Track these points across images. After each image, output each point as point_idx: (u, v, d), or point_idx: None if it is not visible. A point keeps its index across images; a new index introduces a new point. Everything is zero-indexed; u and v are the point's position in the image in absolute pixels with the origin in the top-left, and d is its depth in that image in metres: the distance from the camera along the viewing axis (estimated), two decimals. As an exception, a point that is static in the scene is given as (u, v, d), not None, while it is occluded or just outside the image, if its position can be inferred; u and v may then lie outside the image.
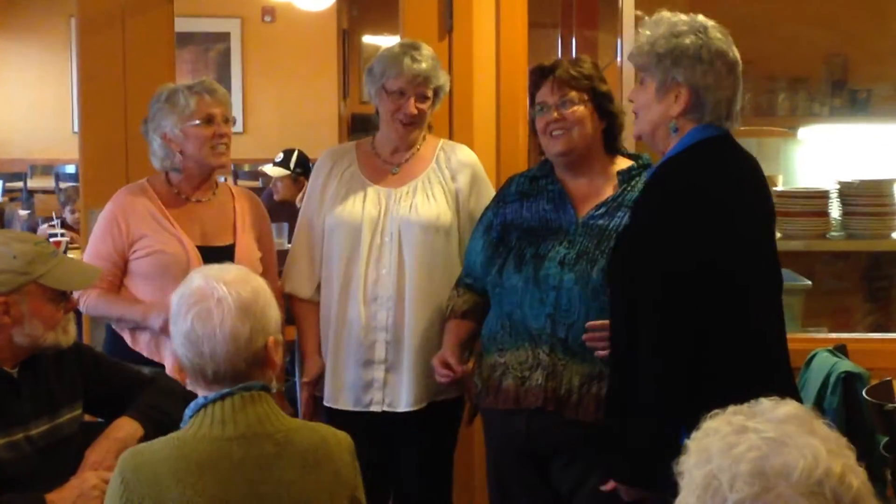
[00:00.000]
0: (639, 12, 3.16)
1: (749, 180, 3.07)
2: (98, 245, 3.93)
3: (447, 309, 3.77)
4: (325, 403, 3.89)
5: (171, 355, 3.82)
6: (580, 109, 3.51)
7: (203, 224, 3.98)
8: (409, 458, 3.94)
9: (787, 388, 3.04)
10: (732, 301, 2.91)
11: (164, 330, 3.77)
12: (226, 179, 11.34)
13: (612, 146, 3.61)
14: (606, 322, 3.22)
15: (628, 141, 3.69)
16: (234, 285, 2.54)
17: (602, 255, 3.40)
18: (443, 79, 3.91)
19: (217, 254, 3.89)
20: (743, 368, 2.89)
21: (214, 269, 2.63)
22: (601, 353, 3.28)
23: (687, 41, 3.01)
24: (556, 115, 3.52)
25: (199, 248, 3.91)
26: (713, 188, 2.98)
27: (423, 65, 3.84)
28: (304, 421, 2.66)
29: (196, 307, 2.52)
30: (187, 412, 2.56)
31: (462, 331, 3.71)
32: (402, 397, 3.83)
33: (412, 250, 3.82)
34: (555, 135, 3.53)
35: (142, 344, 3.89)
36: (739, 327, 2.92)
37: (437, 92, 3.91)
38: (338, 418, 3.83)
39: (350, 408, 3.86)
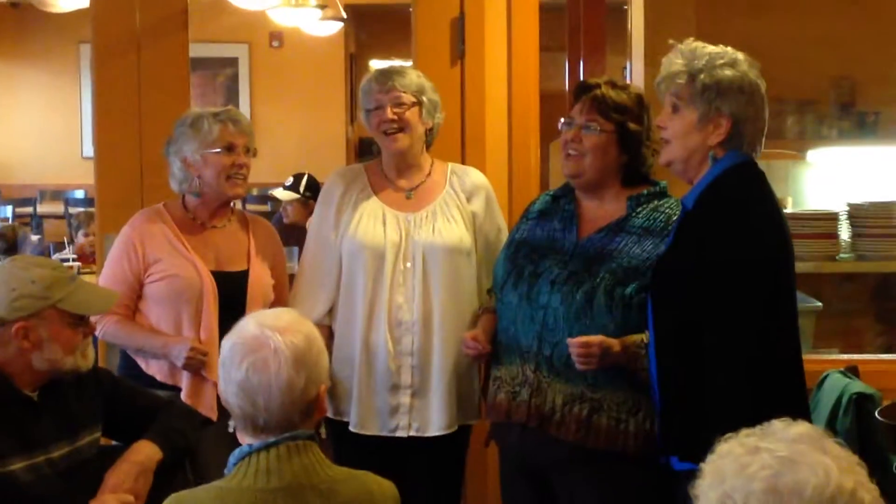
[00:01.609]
0: (671, 40, 3.21)
1: (777, 202, 3.21)
2: (114, 268, 3.94)
3: (480, 308, 3.82)
4: (352, 429, 3.88)
5: (186, 381, 3.84)
6: (599, 138, 3.51)
7: (217, 250, 3.99)
8: (425, 480, 3.93)
9: (806, 409, 3.17)
10: (787, 314, 3.08)
11: (187, 367, 3.81)
12: (234, 204, 11.39)
13: (631, 179, 3.58)
14: (586, 339, 3.30)
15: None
16: (289, 334, 2.48)
17: (590, 277, 3.43)
18: (416, 86, 3.91)
19: (230, 279, 3.92)
20: (781, 388, 3.01)
21: (268, 315, 2.57)
22: (583, 367, 3.32)
23: (729, 73, 3.11)
24: (574, 135, 3.54)
25: (213, 274, 3.91)
26: (764, 203, 3.11)
27: (394, 76, 3.89)
28: (350, 470, 2.59)
29: (251, 357, 2.46)
30: (231, 459, 2.52)
31: (494, 322, 3.70)
32: (432, 421, 3.84)
33: (438, 274, 3.84)
34: (569, 155, 3.56)
35: (155, 368, 3.89)
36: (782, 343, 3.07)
37: (419, 99, 3.91)
38: (353, 440, 3.87)
39: (376, 433, 3.87)
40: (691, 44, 3.18)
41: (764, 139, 3.20)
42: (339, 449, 3.92)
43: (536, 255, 3.57)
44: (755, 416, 2.02)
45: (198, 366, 3.81)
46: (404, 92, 3.89)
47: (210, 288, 3.87)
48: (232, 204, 4.10)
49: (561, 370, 3.42)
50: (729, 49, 3.17)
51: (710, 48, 3.16)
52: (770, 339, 3.01)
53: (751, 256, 3.02)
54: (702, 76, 3.12)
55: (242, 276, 3.97)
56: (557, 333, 3.42)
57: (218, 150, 3.90)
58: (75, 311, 3.13)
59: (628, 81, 5.34)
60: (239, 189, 3.98)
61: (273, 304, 4.01)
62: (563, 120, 3.60)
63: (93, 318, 3.30)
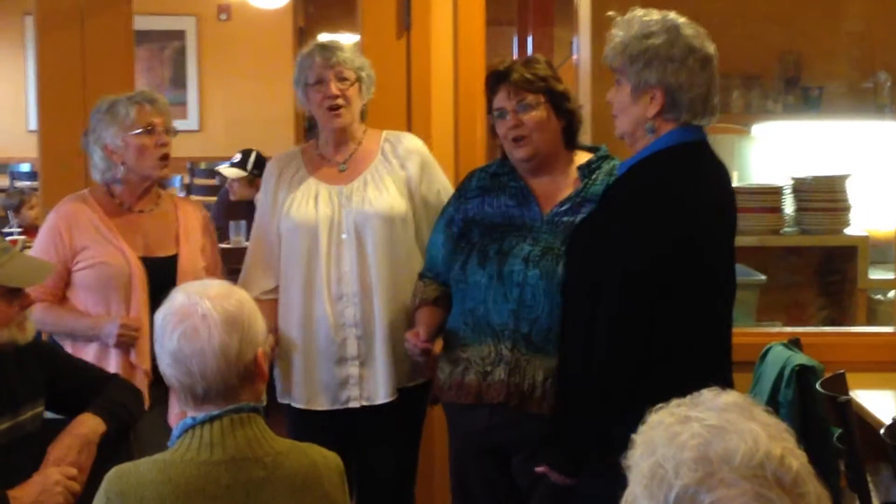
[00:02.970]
0: (611, 12, 3.15)
1: (718, 185, 3.10)
2: (41, 257, 3.86)
3: (415, 299, 3.79)
4: (296, 405, 3.90)
5: (114, 369, 3.80)
6: (538, 113, 3.52)
7: (146, 235, 3.96)
8: (382, 449, 3.95)
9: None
10: (684, 300, 2.95)
11: (119, 344, 3.79)
12: (182, 179, 11.31)
13: (571, 142, 3.62)
14: None
15: (586, 135, 3.72)
16: (218, 299, 2.45)
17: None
18: (358, 62, 3.91)
19: (160, 265, 3.91)
20: (689, 367, 2.91)
21: (196, 285, 2.54)
22: None
23: (657, 41, 3.00)
24: (514, 120, 3.54)
25: (143, 260, 3.89)
26: (681, 187, 3.01)
27: (337, 52, 3.87)
28: (295, 442, 2.58)
29: (181, 325, 2.43)
30: (175, 432, 2.50)
31: (435, 316, 3.71)
32: (379, 390, 3.85)
33: (372, 243, 3.84)
34: (516, 140, 3.55)
35: (82, 354, 3.79)
36: (688, 326, 2.97)
37: (359, 76, 3.90)
38: (304, 418, 3.88)
39: (327, 408, 3.87)
40: (631, 13, 3.10)
41: (711, 105, 3.08)
42: (293, 429, 3.93)
43: (496, 233, 3.56)
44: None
45: (129, 342, 3.79)
46: (347, 68, 3.88)
47: (139, 275, 3.85)
48: (160, 186, 4.07)
49: (541, 345, 3.41)
50: (670, 15, 3.07)
51: (648, 17, 3.06)
52: (673, 318, 2.94)
53: (626, 265, 2.95)
54: (630, 47, 3.04)
55: (172, 261, 3.95)
56: (536, 309, 3.42)
57: (139, 131, 3.88)
58: (7, 284, 3.06)
59: (574, 57, 5.37)
60: (165, 170, 3.96)
61: None
62: (494, 113, 3.60)
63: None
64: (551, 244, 3.46)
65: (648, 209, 2.98)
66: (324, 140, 3.99)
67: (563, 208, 3.53)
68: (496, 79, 3.60)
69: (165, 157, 3.94)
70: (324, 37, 14.06)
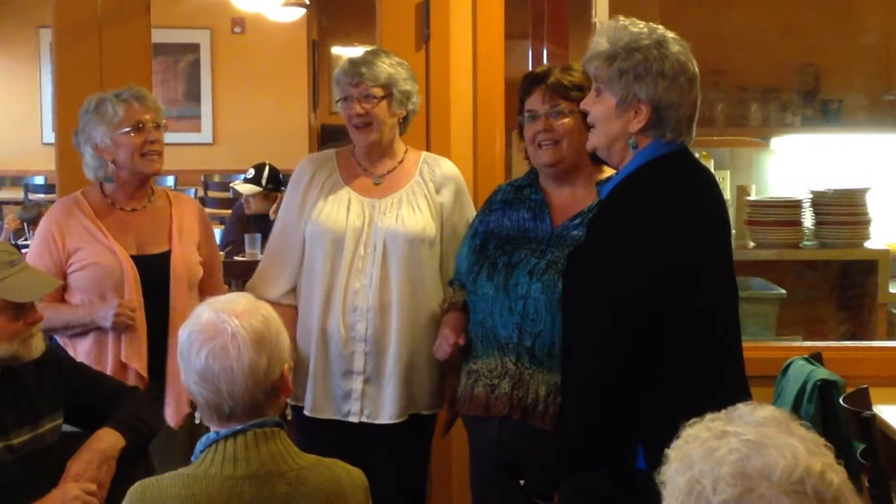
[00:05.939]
0: (596, 19, 3.02)
1: (706, 194, 3.00)
2: (35, 261, 3.87)
3: (444, 303, 3.77)
4: (306, 413, 3.88)
5: (111, 370, 3.79)
6: (569, 121, 3.49)
7: (138, 233, 3.96)
8: (386, 470, 3.90)
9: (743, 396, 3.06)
10: (691, 315, 2.86)
11: (116, 325, 3.79)
12: (196, 192, 11.30)
13: (597, 157, 3.56)
14: None
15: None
16: (245, 316, 2.44)
17: None
18: (384, 78, 3.85)
19: (152, 262, 3.91)
20: (703, 378, 2.85)
21: (221, 300, 2.52)
22: None
23: (649, 56, 2.90)
24: (544, 124, 3.51)
25: (135, 258, 3.88)
26: (672, 203, 2.91)
27: (363, 68, 3.83)
28: (319, 458, 2.56)
29: (210, 344, 2.42)
30: (198, 447, 2.48)
31: (461, 320, 3.66)
32: (383, 409, 3.81)
33: (397, 262, 3.80)
34: (543, 146, 3.52)
35: (82, 354, 3.83)
36: (701, 338, 2.88)
37: (389, 91, 3.85)
38: (313, 426, 3.86)
39: (330, 417, 3.85)
40: (617, 22, 2.98)
41: (693, 126, 2.99)
42: (299, 435, 3.91)
43: (509, 245, 3.55)
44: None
45: (126, 322, 3.78)
46: (374, 85, 3.84)
47: (131, 273, 3.85)
48: (151, 183, 4.06)
49: (543, 360, 3.40)
50: (659, 28, 2.97)
51: (636, 27, 2.96)
52: (661, 347, 2.83)
53: (618, 291, 2.85)
54: (619, 59, 2.93)
55: (164, 258, 3.94)
56: (539, 323, 3.40)
57: (127, 129, 3.88)
58: (8, 298, 3.01)
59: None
60: (156, 165, 3.95)
61: (202, 282, 4.02)
62: (525, 115, 3.56)
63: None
64: (556, 258, 3.44)
65: (639, 234, 2.87)
66: (358, 152, 3.97)
67: (574, 223, 3.50)
68: (531, 81, 3.57)
69: (157, 153, 3.93)
70: (339, 50, 14.10)
